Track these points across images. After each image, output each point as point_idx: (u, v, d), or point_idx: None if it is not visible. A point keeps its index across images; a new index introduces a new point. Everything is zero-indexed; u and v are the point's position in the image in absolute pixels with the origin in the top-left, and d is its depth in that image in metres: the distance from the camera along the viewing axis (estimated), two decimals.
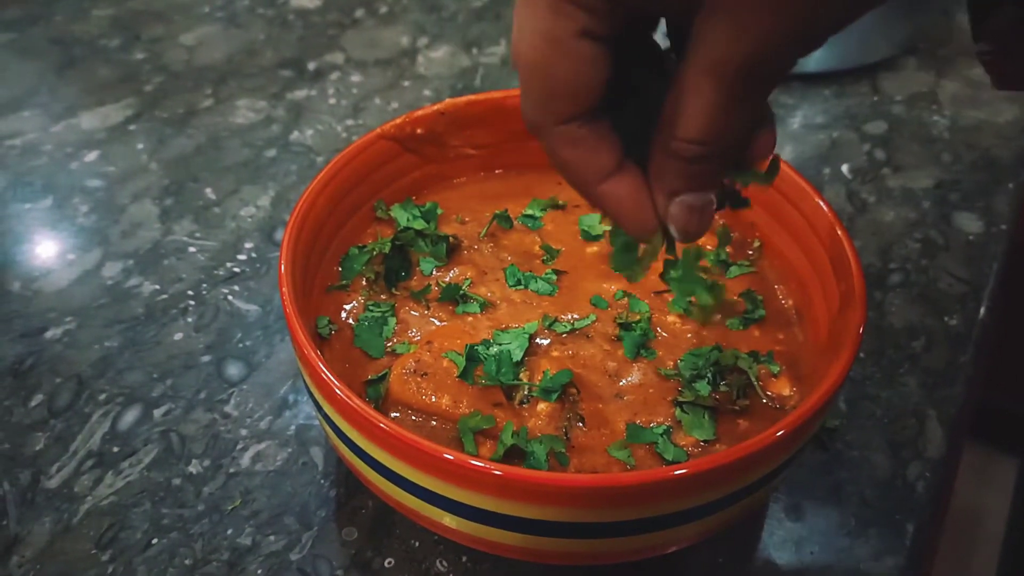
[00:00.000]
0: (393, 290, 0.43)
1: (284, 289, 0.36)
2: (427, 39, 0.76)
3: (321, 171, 0.42)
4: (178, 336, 0.50)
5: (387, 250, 0.43)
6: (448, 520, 0.34)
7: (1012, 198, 0.60)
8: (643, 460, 0.36)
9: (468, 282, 0.42)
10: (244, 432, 0.45)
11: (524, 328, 0.40)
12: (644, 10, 0.26)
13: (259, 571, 0.40)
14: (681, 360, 0.39)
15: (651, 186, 0.28)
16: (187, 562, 0.40)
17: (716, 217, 0.29)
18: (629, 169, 0.28)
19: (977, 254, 0.56)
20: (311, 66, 0.72)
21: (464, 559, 0.40)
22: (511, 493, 0.31)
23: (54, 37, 0.75)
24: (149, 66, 0.72)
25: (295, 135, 0.65)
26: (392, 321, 0.41)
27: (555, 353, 0.39)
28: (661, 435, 0.36)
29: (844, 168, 0.63)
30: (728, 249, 0.45)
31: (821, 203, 0.41)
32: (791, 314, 0.43)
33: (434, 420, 0.37)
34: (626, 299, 0.42)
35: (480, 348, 0.38)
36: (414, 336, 0.40)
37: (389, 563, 0.40)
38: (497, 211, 0.46)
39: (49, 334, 0.50)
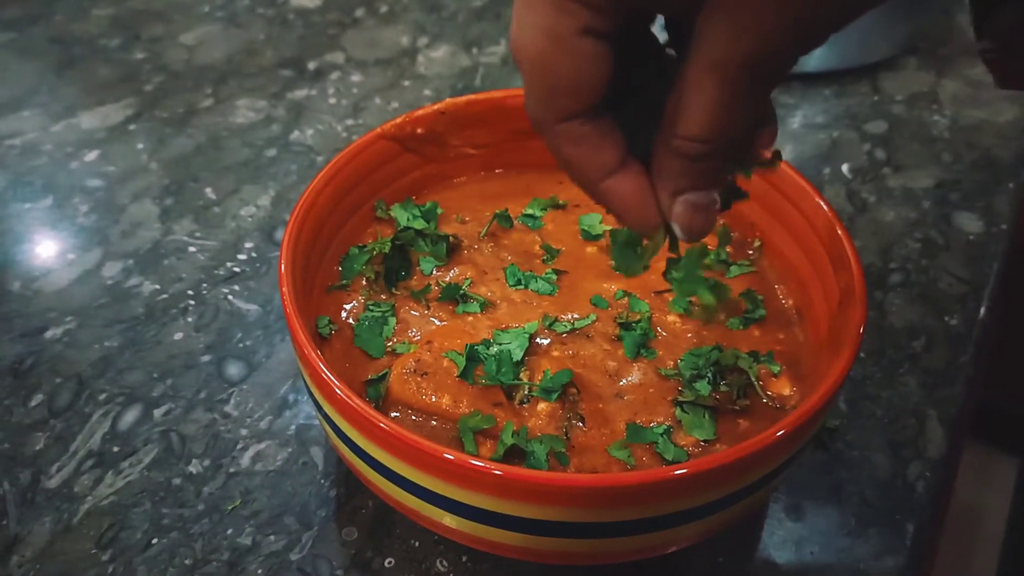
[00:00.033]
0: (393, 290, 0.43)
1: (284, 289, 0.36)
2: (427, 39, 0.76)
3: (321, 171, 0.42)
4: (178, 336, 0.50)
5: (387, 250, 0.43)
6: (448, 520, 0.34)
7: (1012, 198, 0.60)
8: (643, 460, 0.36)
9: (468, 282, 0.42)
10: (244, 432, 0.45)
11: (524, 328, 0.40)
12: (646, 8, 0.26)
13: (259, 571, 0.40)
14: (681, 360, 0.39)
15: (654, 184, 0.28)
16: (187, 562, 0.40)
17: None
18: (632, 165, 0.28)
19: (977, 254, 0.56)
20: (311, 66, 0.72)
21: (464, 559, 0.40)
22: (511, 493, 0.31)
23: (54, 37, 0.75)
24: (149, 66, 0.72)
25: (295, 135, 0.65)
26: (392, 321, 0.41)
27: (555, 353, 0.39)
28: (661, 435, 0.36)
29: (844, 168, 0.63)
30: (728, 249, 0.45)
31: (821, 203, 0.41)
32: (791, 314, 0.43)
33: (434, 420, 0.37)
34: (626, 299, 0.42)
35: (480, 348, 0.38)
36: (414, 336, 0.40)
37: (389, 563, 0.40)
38: (497, 211, 0.46)
39: (49, 334, 0.50)
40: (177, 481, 0.43)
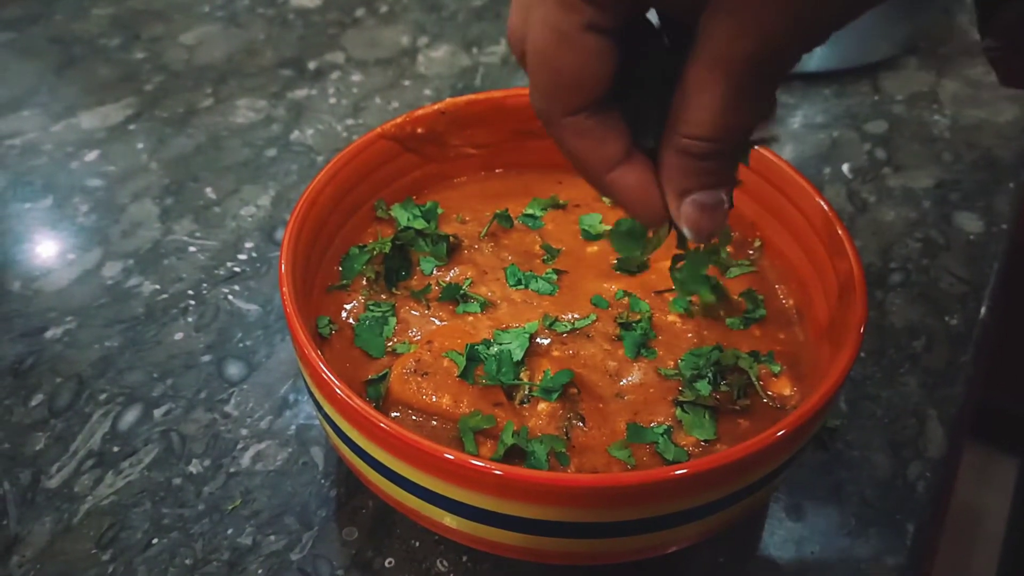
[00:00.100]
0: (393, 290, 0.43)
1: (284, 289, 0.36)
2: (427, 38, 0.76)
3: (321, 171, 0.42)
4: (178, 336, 0.50)
5: (387, 250, 0.43)
6: (448, 520, 0.34)
7: (1013, 198, 0.60)
8: (644, 460, 0.36)
9: (468, 282, 0.42)
10: (244, 432, 0.45)
11: (524, 328, 0.40)
12: (650, 5, 0.26)
13: (259, 571, 0.40)
14: (682, 360, 0.39)
15: (661, 184, 0.28)
16: (187, 562, 0.40)
17: None
18: (637, 158, 0.28)
19: (978, 254, 0.56)
20: (311, 65, 0.72)
21: (464, 559, 0.40)
22: (511, 493, 0.31)
23: (54, 36, 0.75)
24: (149, 65, 0.72)
25: (295, 135, 0.65)
26: (392, 321, 0.41)
27: (556, 353, 0.39)
28: (662, 435, 0.36)
29: (845, 168, 0.63)
30: (729, 248, 0.45)
31: (822, 203, 0.41)
32: (792, 314, 0.43)
33: (434, 420, 0.37)
34: (627, 299, 0.42)
35: (480, 348, 0.38)
36: (414, 336, 0.40)
37: (389, 563, 0.40)
38: (497, 210, 0.46)
39: (49, 334, 0.50)
40: (177, 481, 0.43)
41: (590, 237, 0.46)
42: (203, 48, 0.74)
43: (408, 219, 0.45)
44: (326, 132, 0.65)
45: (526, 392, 0.37)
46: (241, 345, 0.50)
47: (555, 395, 0.37)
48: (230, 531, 0.41)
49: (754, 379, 0.38)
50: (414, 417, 0.37)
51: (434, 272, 0.43)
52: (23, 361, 0.49)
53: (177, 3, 0.79)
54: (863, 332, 0.35)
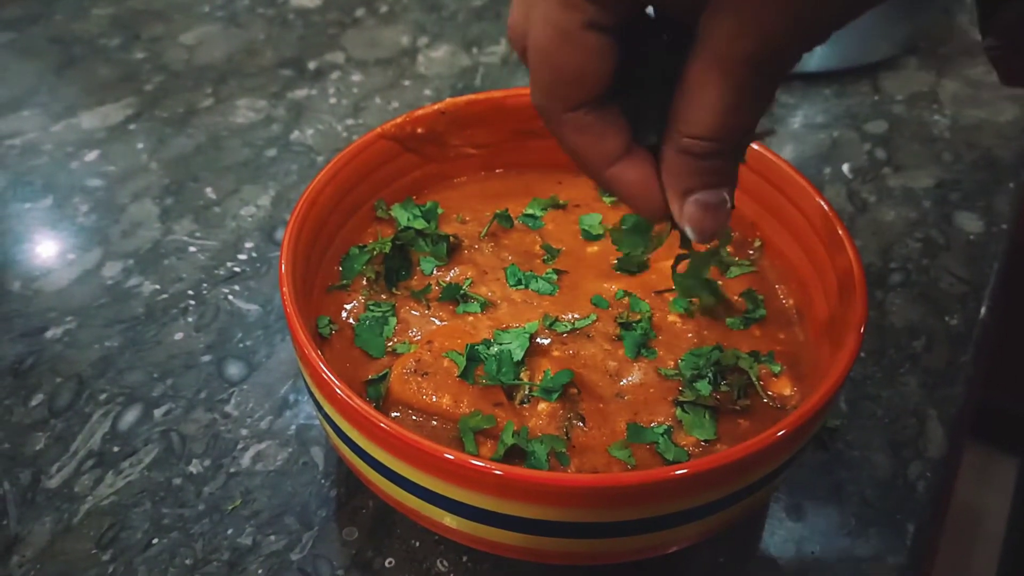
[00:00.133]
0: (394, 290, 0.43)
1: (284, 289, 0.36)
2: (427, 38, 0.76)
3: (321, 171, 0.42)
4: (178, 336, 0.50)
5: (387, 250, 0.43)
6: (449, 520, 0.34)
7: (1013, 198, 0.60)
8: (644, 460, 0.36)
9: (469, 282, 0.42)
10: (244, 432, 0.45)
11: (525, 328, 0.40)
12: (649, 3, 0.26)
13: (260, 571, 0.40)
14: (682, 360, 0.39)
15: (663, 185, 0.28)
16: (187, 562, 0.40)
17: None
18: (637, 153, 0.28)
19: (978, 254, 0.56)
20: (311, 65, 0.72)
21: (465, 559, 0.40)
22: (512, 493, 0.31)
23: (54, 36, 0.75)
24: (149, 65, 0.72)
25: (295, 135, 0.65)
26: (392, 321, 0.41)
27: (556, 353, 0.39)
28: (662, 435, 0.36)
29: (845, 168, 0.63)
30: (729, 248, 0.45)
31: (822, 202, 0.41)
32: (792, 314, 0.43)
33: (435, 420, 0.37)
34: (627, 299, 0.42)
35: (481, 348, 0.38)
36: (415, 336, 0.40)
37: (390, 563, 0.40)
38: (498, 210, 0.46)
39: (49, 334, 0.50)
40: (177, 481, 0.43)
41: (590, 237, 0.46)
42: (203, 48, 0.74)
43: (408, 219, 0.45)
44: (326, 132, 0.65)
45: (526, 392, 0.37)
46: (241, 345, 0.50)
47: (555, 395, 0.37)
48: (230, 531, 0.41)
49: (754, 379, 0.38)
50: (414, 417, 0.37)
51: (434, 272, 0.43)
52: (23, 361, 0.49)
53: (177, 3, 0.79)
54: (863, 332, 0.35)
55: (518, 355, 0.38)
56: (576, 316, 0.41)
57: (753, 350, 0.40)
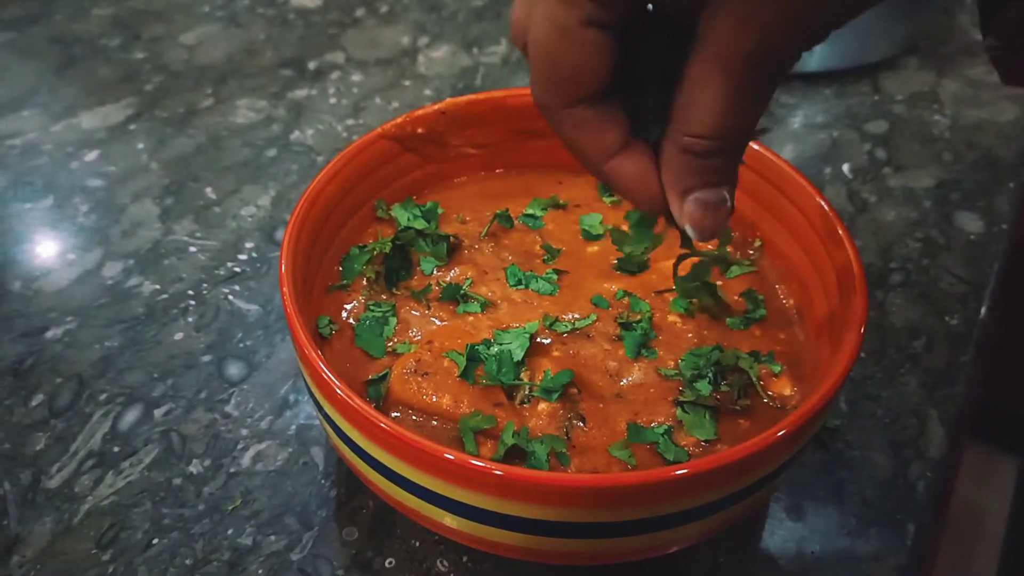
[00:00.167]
0: (394, 290, 0.43)
1: (285, 289, 0.36)
2: (428, 38, 0.76)
3: (321, 171, 0.42)
4: (179, 336, 0.50)
5: (388, 250, 0.43)
6: (449, 520, 0.34)
7: (1013, 197, 0.60)
8: (644, 460, 0.36)
9: (469, 282, 0.42)
10: (245, 432, 0.45)
11: (525, 328, 0.40)
12: (651, 2, 0.26)
13: (260, 571, 0.40)
14: (682, 360, 0.39)
15: (663, 181, 0.28)
16: (188, 562, 0.40)
17: None
18: (636, 148, 0.28)
19: (978, 254, 0.56)
20: (311, 65, 0.72)
21: (465, 559, 0.40)
22: (512, 493, 0.31)
23: (54, 36, 0.75)
24: (149, 65, 0.72)
25: (296, 135, 0.65)
26: (393, 321, 0.41)
27: (556, 353, 0.39)
28: (662, 435, 0.36)
29: (845, 167, 0.63)
30: (729, 248, 0.45)
31: (822, 202, 0.41)
32: (792, 314, 0.43)
33: (435, 420, 0.37)
34: (627, 299, 0.42)
35: (481, 348, 0.38)
36: (415, 336, 0.40)
37: (390, 563, 0.40)
38: (498, 210, 0.46)
39: (50, 334, 0.50)
40: (178, 481, 0.43)
41: (590, 237, 0.46)
42: (203, 48, 0.74)
43: (408, 219, 0.45)
44: (326, 132, 0.65)
45: (526, 392, 0.37)
46: (241, 345, 0.50)
47: (555, 395, 0.37)
48: (230, 531, 0.41)
49: (754, 379, 0.38)
50: (414, 417, 0.37)
51: (434, 272, 0.43)
52: (23, 361, 0.49)
53: (177, 3, 0.79)
54: (863, 332, 0.35)
55: (518, 355, 0.38)
56: (576, 316, 0.41)
57: (753, 350, 0.40)
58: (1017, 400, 1.14)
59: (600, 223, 0.46)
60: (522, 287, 0.42)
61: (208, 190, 0.60)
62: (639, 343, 0.40)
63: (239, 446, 0.45)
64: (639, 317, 0.41)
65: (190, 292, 0.53)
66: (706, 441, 0.37)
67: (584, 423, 0.37)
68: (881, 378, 0.48)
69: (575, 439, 0.36)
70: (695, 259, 0.38)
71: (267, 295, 0.53)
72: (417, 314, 0.41)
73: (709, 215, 0.28)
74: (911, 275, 0.55)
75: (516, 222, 0.46)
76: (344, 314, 0.42)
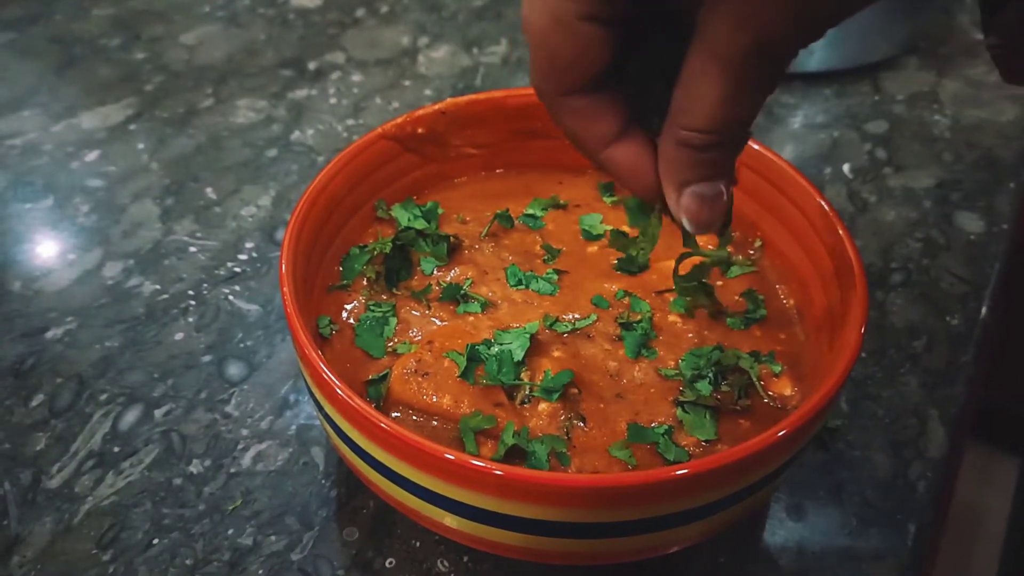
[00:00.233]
0: (394, 290, 0.43)
1: (285, 289, 0.36)
2: (428, 39, 0.76)
3: (322, 171, 0.42)
4: (179, 336, 0.50)
5: (388, 250, 0.43)
6: (449, 520, 0.34)
7: (1013, 197, 0.60)
8: (644, 460, 0.36)
9: (469, 282, 0.42)
10: (245, 432, 0.45)
11: (525, 328, 0.40)
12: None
13: (260, 571, 0.40)
14: (682, 360, 0.39)
15: (661, 175, 0.28)
16: (188, 562, 0.40)
17: None
18: (632, 136, 0.29)
19: (978, 254, 0.56)
20: (312, 66, 0.72)
21: (465, 559, 0.40)
22: (512, 493, 0.31)
23: (54, 36, 0.75)
24: (149, 66, 0.72)
25: (296, 135, 0.65)
26: (393, 321, 0.41)
27: (556, 353, 0.39)
28: (662, 435, 0.36)
29: (845, 168, 0.63)
30: (729, 248, 0.45)
31: (822, 203, 0.41)
32: (792, 314, 0.43)
33: (435, 420, 0.37)
34: (627, 299, 0.42)
35: (481, 348, 0.38)
36: (415, 336, 0.40)
37: (390, 563, 0.40)
38: (498, 211, 0.46)
39: (50, 334, 0.50)
40: (178, 481, 0.43)
41: (591, 237, 0.46)
42: (203, 48, 0.74)
43: (408, 219, 0.45)
44: (326, 132, 0.65)
45: (527, 392, 0.37)
46: (241, 345, 0.50)
47: (556, 395, 0.37)
48: (231, 531, 0.41)
49: (755, 379, 0.38)
50: (415, 417, 0.37)
51: (435, 272, 0.43)
52: (24, 361, 0.49)
53: (177, 3, 0.79)
54: (864, 332, 0.35)
55: (519, 355, 0.38)
56: (576, 316, 0.41)
57: (754, 350, 0.40)
58: (1017, 400, 1.14)
59: (600, 223, 0.46)
60: (522, 287, 0.42)
61: (208, 190, 0.60)
62: (639, 343, 0.40)
63: (239, 446, 0.45)
64: (639, 317, 0.41)
65: (190, 292, 0.53)
66: (706, 441, 0.37)
67: (584, 423, 0.37)
68: (881, 378, 0.48)
69: (575, 439, 0.36)
70: (696, 259, 0.38)
71: (267, 295, 0.53)
72: (417, 314, 0.41)
73: (705, 208, 0.28)
74: (911, 275, 0.55)
75: (516, 222, 0.46)
76: (344, 314, 0.42)
